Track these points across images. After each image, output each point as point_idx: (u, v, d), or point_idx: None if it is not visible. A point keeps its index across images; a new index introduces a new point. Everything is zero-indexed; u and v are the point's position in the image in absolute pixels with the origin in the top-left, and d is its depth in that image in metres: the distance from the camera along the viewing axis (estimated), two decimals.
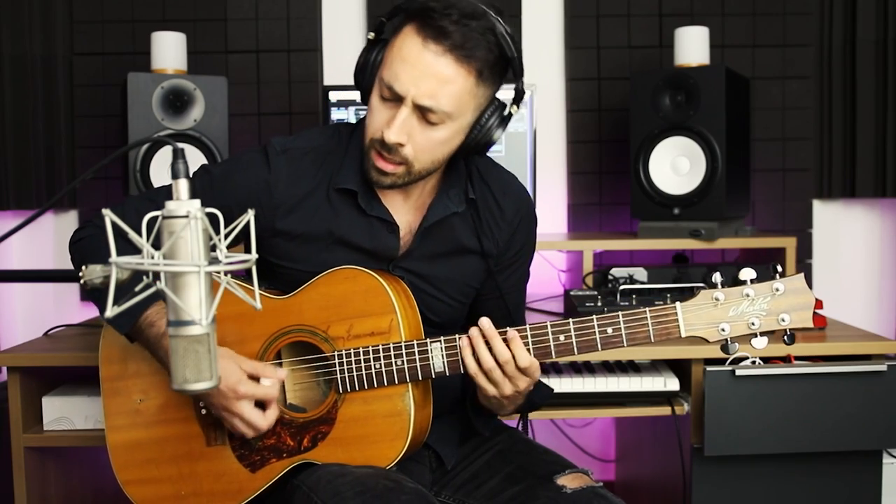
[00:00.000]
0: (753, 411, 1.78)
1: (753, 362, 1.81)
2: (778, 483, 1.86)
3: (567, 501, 1.35)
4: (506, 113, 1.37)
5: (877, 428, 1.79)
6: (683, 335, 1.27)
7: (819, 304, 2.01)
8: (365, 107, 1.38)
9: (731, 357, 1.78)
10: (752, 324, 1.26)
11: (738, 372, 1.77)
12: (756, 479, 1.86)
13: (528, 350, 1.32)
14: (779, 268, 1.29)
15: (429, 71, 1.26)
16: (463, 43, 1.26)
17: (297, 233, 1.43)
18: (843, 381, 1.78)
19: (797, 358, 1.84)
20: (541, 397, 1.52)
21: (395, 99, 1.29)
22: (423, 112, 1.29)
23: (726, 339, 1.27)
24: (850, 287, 2.79)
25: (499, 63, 1.32)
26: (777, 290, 1.27)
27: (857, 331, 2.00)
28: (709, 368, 1.78)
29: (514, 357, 1.31)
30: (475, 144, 1.37)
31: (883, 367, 1.78)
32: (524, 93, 1.37)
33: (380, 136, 1.31)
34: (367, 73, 1.35)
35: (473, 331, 1.33)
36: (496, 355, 1.32)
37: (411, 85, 1.27)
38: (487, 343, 1.33)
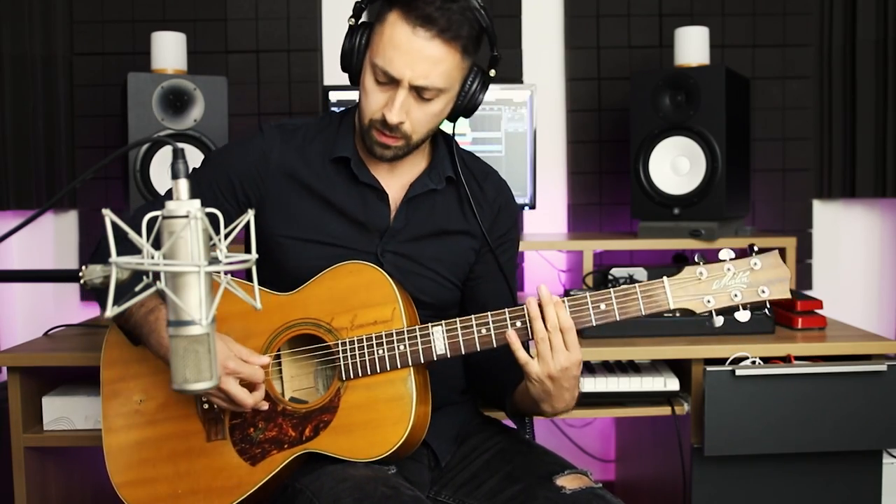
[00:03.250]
0: (753, 411, 1.78)
1: (753, 362, 1.81)
2: (778, 483, 1.86)
3: (566, 502, 1.35)
4: (486, 78, 1.48)
5: (877, 428, 1.79)
6: (672, 306, 1.34)
7: (819, 303, 2.03)
8: (355, 88, 1.48)
9: (730, 356, 1.80)
10: (735, 295, 1.34)
11: (738, 372, 1.77)
12: (756, 479, 1.86)
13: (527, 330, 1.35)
14: (755, 247, 1.37)
15: (421, 55, 1.36)
16: (448, 26, 1.35)
17: (296, 179, 1.49)
18: (843, 381, 1.78)
19: (797, 358, 1.84)
20: None
21: (391, 82, 1.39)
22: (418, 91, 1.39)
23: (711, 311, 1.34)
24: (850, 287, 2.79)
25: (478, 35, 1.42)
26: (755, 265, 1.35)
27: (857, 331, 2.00)
28: (709, 368, 1.78)
29: (558, 319, 1.33)
30: (463, 109, 1.48)
31: (883, 367, 1.78)
32: (499, 59, 1.48)
33: (380, 116, 1.41)
34: (355, 57, 1.44)
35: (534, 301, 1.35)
36: (548, 322, 1.33)
37: (406, 69, 1.36)
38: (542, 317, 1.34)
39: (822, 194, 2.75)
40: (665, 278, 1.35)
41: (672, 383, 1.90)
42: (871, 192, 2.67)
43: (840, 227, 2.79)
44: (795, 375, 1.79)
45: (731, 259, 1.35)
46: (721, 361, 1.81)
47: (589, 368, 1.97)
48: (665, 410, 1.91)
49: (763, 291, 1.33)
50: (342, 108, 1.59)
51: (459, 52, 1.39)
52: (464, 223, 1.55)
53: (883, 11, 2.61)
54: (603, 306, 1.34)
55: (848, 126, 2.69)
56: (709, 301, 1.34)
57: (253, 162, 1.49)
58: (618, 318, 1.35)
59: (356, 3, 1.45)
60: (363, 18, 1.46)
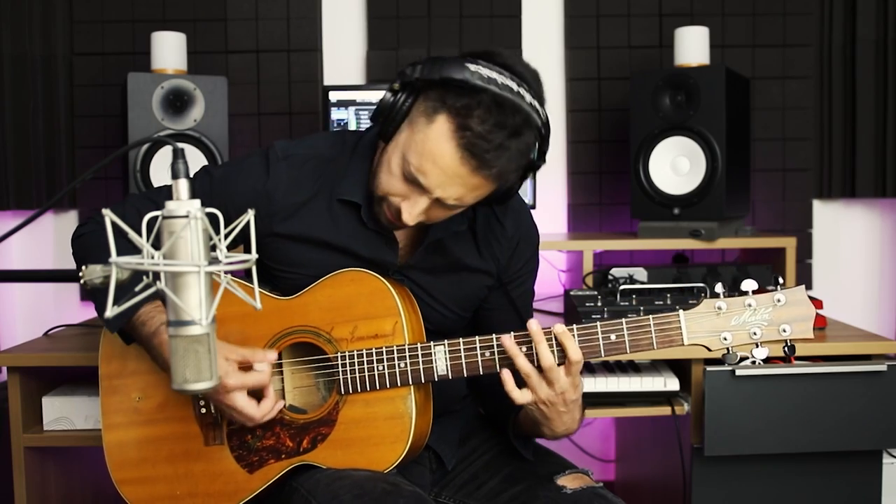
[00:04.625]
0: (753, 411, 1.78)
1: (753, 362, 1.80)
2: (778, 483, 1.86)
3: (567, 501, 1.35)
4: (529, 175, 1.36)
5: (877, 428, 1.79)
6: (686, 343, 1.28)
7: (819, 303, 2.02)
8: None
9: (733, 364, 1.80)
10: (754, 333, 1.27)
11: (738, 372, 1.77)
12: (756, 479, 1.86)
13: (533, 358, 1.30)
14: (780, 279, 1.30)
15: (459, 181, 1.25)
16: (499, 172, 1.25)
17: (294, 236, 1.42)
18: (843, 381, 1.78)
19: (797, 358, 1.84)
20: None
21: (417, 184, 1.27)
22: (444, 205, 1.29)
23: (728, 348, 1.28)
24: (850, 287, 2.79)
25: (529, 167, 1.32)
26: (778, 301, 1.27)
27: (857, 331, 2.00)
28: (709, 368, 1.78)
29: (565, 350, 1.28)
30: (494, 199, 1.37)
31: (883, 367, 1.78)
32: (547, 150, 1.33)
33: (396, 203, 1.31)
34: (391, 119, 1.29)
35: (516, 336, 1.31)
36: (542, 360, 1.29)
37: (438, 188, 1.26)
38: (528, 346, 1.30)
39: (822, 194, 2.75)
40: (681, 311, 1.28)
41: (672, 383, 1.90)
42: (871, 192, 2.67)
43: (840, 227, 2.79)
44: (795, 375, 1.79)
45: (753, 292, 1.27)
46: (721, 361, 1.80)
47: (589, 368, 1.97)
48: (665, 410, 1.91)
49: (784, 330, 1.26)
50: (354, 127, 1.48)
51: (497, 181, 1.28)
52: (481, 262, 1.48)
53: (883, 11, 2.61)
54: (613, 337, 1.29)
55: (848, 126, 2.69)
56: (725, 338, 1.27)
57: (254, 198, 1.40)
58: (628, 352, 1.30)
59: (410, 78, 1.26)
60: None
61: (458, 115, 1.22)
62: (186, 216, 0.83)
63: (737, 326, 1.28)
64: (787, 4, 2.69)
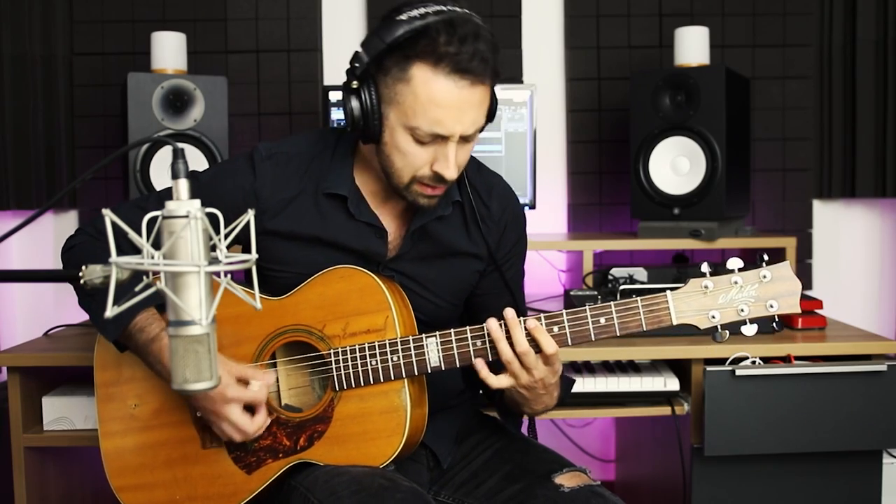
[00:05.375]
0: (753, 411, 1.78)
1: (753, 362, 1.81)
2: (778, 483, 1.86)
3: (565, 500, 1.35)
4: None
5: (877, 428, 1.79)
6: (675, 322, 1.29)
7: (819, 303, 2.02)
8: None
9: (730, 356, 1.80)
10: (742, 310, 1.28)
11: (738, 372, 1.77)
12: (756, 479, 1.86)
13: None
14: (765, 256, 1.30)
15: (467, 105, 1.31)
16: (484, 70, 1.30)
17: (285, 232, 1.44)
18: (843, 381, 1.78)
19: (797, 358, 1.84)
20: (566, 392, 1.50)
21: (436, 139, 1.32)
22: (465, 137, 1.34)
23: (716, 326, 1.29)
24: (850, 287, 2.79)
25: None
26: (764, 277, 1.28)
27: (857, 331, 2.00)
28: (709, 368, 1.78)
29: (539, 345, 1.31)
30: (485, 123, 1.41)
31: (883, 367, 1.78)
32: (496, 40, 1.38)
33: (428, 172, 1.35)
34: (371, 114, 1.33)
35: (495, 322, 1.33)
36: (516, 346, 1.31)
37: (457, 124, 1.31)
38: (509, 334, 1.32)
39: (822, 194, 2.75)
40: (669, 292, 1.29)
41: (672, 383, 1.90)
42: (871, 192, 2.67)
43: (840, 227, 2.79)
44: (795, 375, 1.78)
45: (739, 269, 1.28)
46: (721, 361, 1.80)
47: (589, 368, 1.97)
48: (665, 410, 1.91)
49: (772, 306, 1.27)
50: (335, 130, 1.50)
51: (491, 83, 1.35)
52: (470, 245, 1.50)
53: (883, 11, 2.62)
54: (603, 321, 1.31)
55: (848, 126, 2.69)
56: (714, 316, 1.28)
57: (243, 197, 1.42)
58: (618, 334, 1.31)
59: (355, 66, 1.31)
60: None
61: (427, 55, 1.27)
62: (186, 216, 0.83)
63: (724, 304, 1.28)
64: (787, 4, 2.69)
